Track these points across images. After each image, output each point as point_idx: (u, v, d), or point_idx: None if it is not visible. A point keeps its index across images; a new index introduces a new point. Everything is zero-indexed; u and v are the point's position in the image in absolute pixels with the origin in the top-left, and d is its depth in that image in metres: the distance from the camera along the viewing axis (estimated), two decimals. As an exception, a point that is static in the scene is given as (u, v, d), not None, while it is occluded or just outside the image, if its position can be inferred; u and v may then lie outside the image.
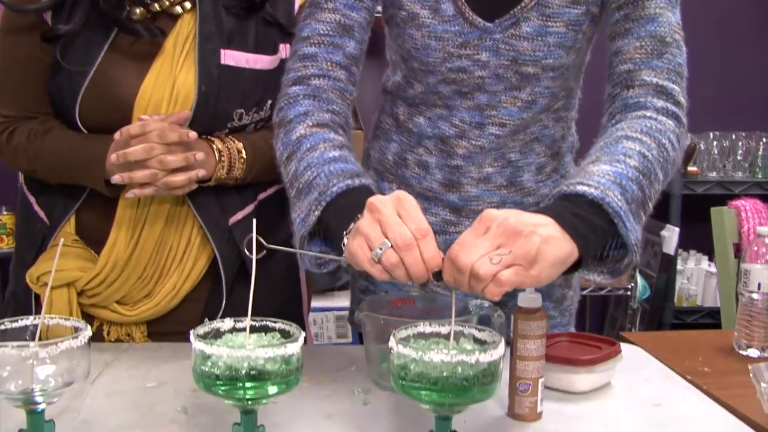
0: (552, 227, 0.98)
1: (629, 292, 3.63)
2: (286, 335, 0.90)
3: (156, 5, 1.41)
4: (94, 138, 1.40)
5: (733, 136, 3.82)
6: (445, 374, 0.84)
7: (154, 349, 1.43)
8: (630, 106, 1.26)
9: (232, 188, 1.48)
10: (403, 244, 0.94)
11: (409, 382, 0.86)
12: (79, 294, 1.44)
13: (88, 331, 0.89)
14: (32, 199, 1.51)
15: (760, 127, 3.89)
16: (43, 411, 0.89)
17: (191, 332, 0.88)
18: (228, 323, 0.92)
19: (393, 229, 0.95)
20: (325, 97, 1.28)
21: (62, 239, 1.09)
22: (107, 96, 1.39)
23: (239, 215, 1.48)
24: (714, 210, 2.64)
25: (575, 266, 1.03)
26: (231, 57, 1.41)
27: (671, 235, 3.52)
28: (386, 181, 1.45)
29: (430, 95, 1.37)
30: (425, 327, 0.93)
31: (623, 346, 1.35)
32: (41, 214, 1.49)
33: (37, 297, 1.48)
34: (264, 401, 0.88)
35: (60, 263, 1.41)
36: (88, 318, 1.46)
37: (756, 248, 1.55)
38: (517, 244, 0.92)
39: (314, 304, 3.11)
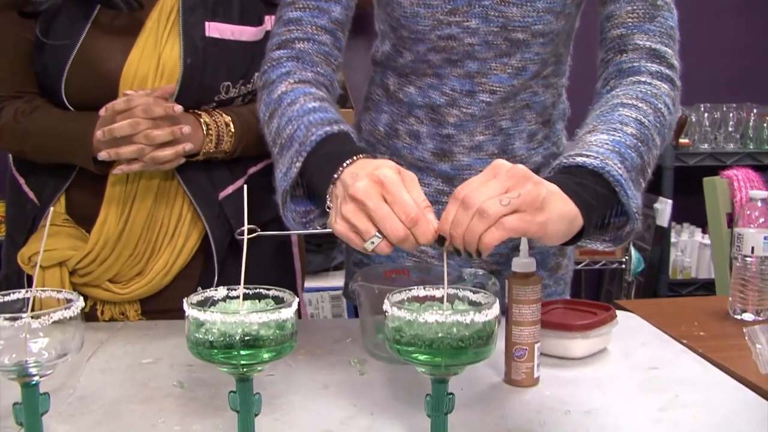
0: (558, 188, 0.97)
1: (624, 266, 3.64)
2: (279, 302, 0.90)
3: None
4: (80, 115, 1.39)
5: (724, 108, 3.82)
6: (440, 335, 0.84)
7: (148, 326, 1.43)
8: (624, 71, 1.25)
9: (222, 163, 1.47)
10: (399, 239, 0.92)
11: (404, 345, 0.86)
12: (71, 273, 1.43)
13: (80, 302, 0.88)
14: (22, 180, 1.50)
15: (751, 98, 3.89)
16: (37, 384, 0.89)
17: (184, 300, 0.87)
18: (221, 292, 0.92)
19: (385, 223, 0.92)
20: (309, 60, 1.27)
21: (52, 208, 1.08)
22: (92, 72, 1.37)
23: (229, 189, 1.48)
24: (706, 180, 2.64)
25: (577, 237, 1.02)
26: (216, 29, 1.40)
27: (664, 207, 3.53)
28: (378, 153, 1.45)
29: (419, 64, 1.36)
30: (419, 291, 0.92)
31: (619, 313, 1.35)
32: (31, 194, 1.48)
33: (30, 278, 1.47)
34: (259, 368, 0.88)
35: (51, 242, 1.40)
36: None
37: (749, 212, 1.54)
38: (526, 188, 0.90)
39: (309, 284, 3.12)
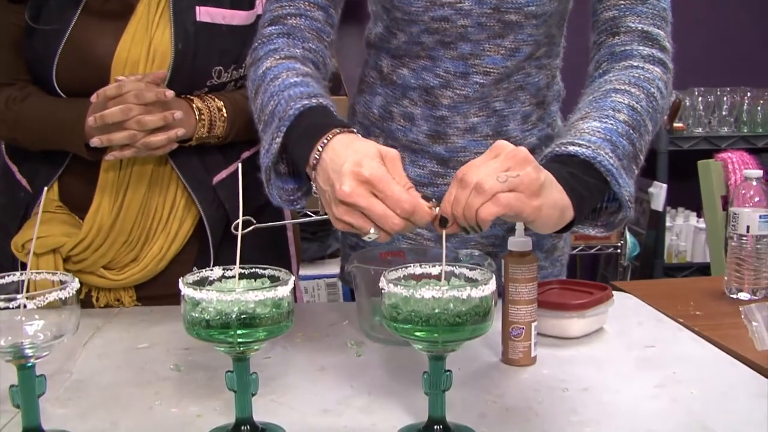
0: (554, 177, 0.97)
1: (619, 250, 3.65)
2: (275, 281, 0.90)
3: None
4: (72, 102, 1.38)
5: (718, 92, 3.82)
6: (437, 311, 0.83)
7: (144, 312, 1.43)
8: (616, 55, 1.25)
9: (215, 147, 1.46)
10: (397, 231, 0.92)
11: (401, 322, 0.86)
12: (65, 260, 1.43)
13: (75, 283, 0.88)
14: (14, 168, 1.49)
15: (745, 81, 3.90)
16: (33, 366, 0.88)
17: (180, 280, 0.87)
18: (217, 272, 0.91)
19: (381, 222, 0.91)
20: (300, 36, 1.26)
21: (45, 190, 1.07)
22: (84, 58, 1.37)
23: (223, 174, 1.47)
24: (701, 163, 2.64)
25: (567, 226, 1.02)
26: (206, 13, 1.39)
27: (659, 191, 3.53)
28: (372, 135, 1.44)
29: (413, 46, 1.35)
30: (416, 268, 0.92)
31: (615, 294, 1.35)
32: (24, 182, 1.48)
33: (24, 266, 1.47)
34: (256, 347, 0.88)
35: (45, 229, 1.40)
36: (76, 285, 1.45)
37: (743, 191, 1.54)
38: (525, 170, 0.90)
39: (305, 272, 3.12)
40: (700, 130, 3.80)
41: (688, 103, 3.78)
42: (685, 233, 3.96)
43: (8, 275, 0.91)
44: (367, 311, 1.27)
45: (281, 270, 0.90)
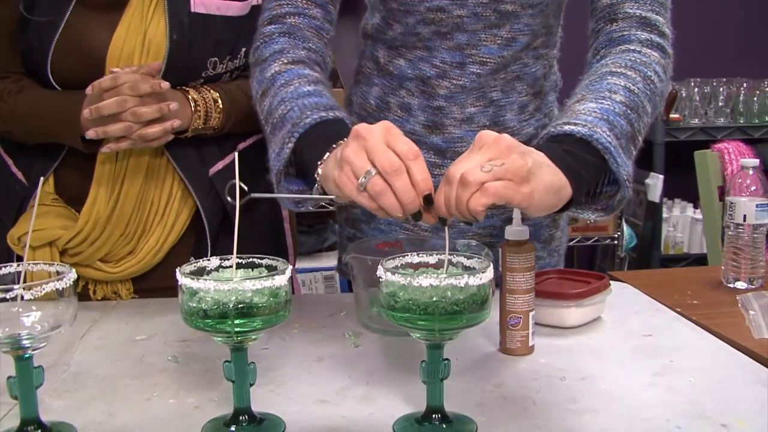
0: (546, 158, 0.96)
1: (616, 241, 3.65)
2: (272, 270, 0.89)
3: None
4: (67, 94, 1.38)
5: (714, 83, 3.82)
6: (434, 299, 0.83)
7: (141, 305, 1.43)
8: (614, 41, 1.25)
9: (211, 139, 1.46)
10: (391, 169, 0.89)
11: (399, 311, 0.86)
12: (62, 253, 1.42)
13: (72, 274, 0.88)
14: (10, 161, 1.49)
15: (741, 72, 3.90)
16: (31, 357, 0.88)
17: (177, 270, 0.87)
18: (214, 261, 0.91)
19: (379, 155, 0.90)
20: (301, 35, 1.26)
21: (42, 180, 1.07)
22: (78, 50, 1.36)
23: (219, 165, 1.47)
24: (697, 153, 2.64)
25: (566, 205, 1.02)
26: (201, 4, 1.39)
27: (656, 182, 3.53)
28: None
29: (409, 37, 1.35)
30: (413, 257, 0.92)
31: (612, 283, 1.35)
32: (19, 175, 1.47)
33: (20, 259, 1.47)
34: (253, 336, 0.87)
35: (41, 222, 1.40)
36: (73, 277, 1.44)
37: (740, 181, 1.54)
38: (511, 158, 0.89)
39: (302, 265, 3.12)
40: (696, 121, 3.80)
41: (684, 94, 3.78)
42: (681, 224, 3.96)
43: (5, 266, 0.91)
44: (364, 302, 1.27)
45: (278, 259, 0.90)
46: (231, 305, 0.84)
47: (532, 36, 1.34)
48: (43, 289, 0.84)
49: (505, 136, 0.92)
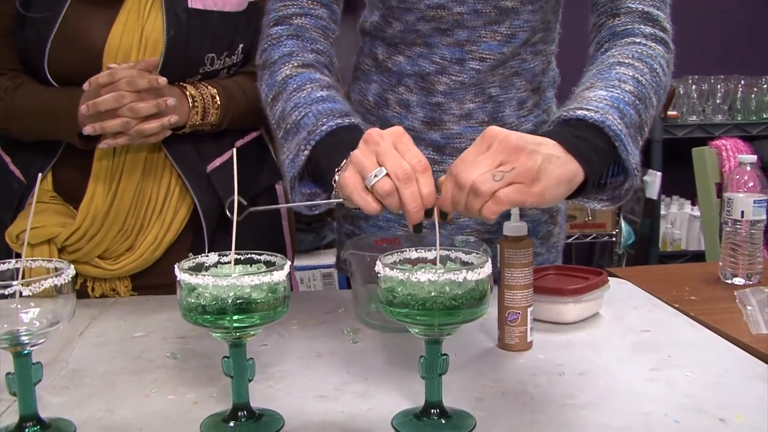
0: (555, 147, 0.95)
1: (614, 238, 3.65)
2: (271, 266, 0.89)
3: None
4: (64, 91, 1.38)
5: (712, 80, 3.82)
6: (433, 294, 0.83)
7: (140, 302, 1.43)
8: (618, 34, 1.25)
9: (209, 135, 1.46)
10: (403, 175, 0.90)
11: (397, 306, 0.86)
12: (60, 250, 1.42)
13: (71, 270, 0.88)
14: (8, 159, 1.49)
15: (738, 69, 3.90)
16: (29, 353, 0.88)
17: (176, 266, 0.87)
18: (213, 257, 0.91)
19: (392, 160, 0.91)
20: (308, 36, 1.26)
21: (39, 176, 1.07)
22: (75, 46, 1.36)
23: (217, 162, 1.47)
24: (695, 150, 2.65)
25: (578, 191, 1.01)
26: (198, 0, 1.39)
27: (654, 179, 3.53)
28: (368, 123, 1.44)
29: (409, 34, 1.35)
30: (411, 253, 0.92)
31: (610, 279, 1.35)
32: (17, 173, 1.47)
33: (19, 257, 1.46)
34: (252, 332, 0.87)
35: (39, 219, 1.40)
36: (72, 275, 1.44)
37: (738, 177, 1.54)
38: (519, 160, 0.89)
39: (300, 263, 3.12)
40: (694, 118, 3.81)
41: (682, 91, 3.79)
42: (679, 221, 3.97)
43: (3, 263, 0.91)
44: (363, 298, 1.27)
45: (277, 255, 0.90)
46: (230, 301, 0.84)
47: (531, 32, 1.35)
48: (42, 285, 0.84)
49: (512, 133, 0.92)
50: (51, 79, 1.38)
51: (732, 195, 1.54)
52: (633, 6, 1.25)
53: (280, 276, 0.86)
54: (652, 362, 1.11)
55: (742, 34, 4.09)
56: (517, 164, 0.89)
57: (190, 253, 1.46)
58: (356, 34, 1.49)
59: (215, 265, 0.91)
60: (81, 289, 1.47)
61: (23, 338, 0.86)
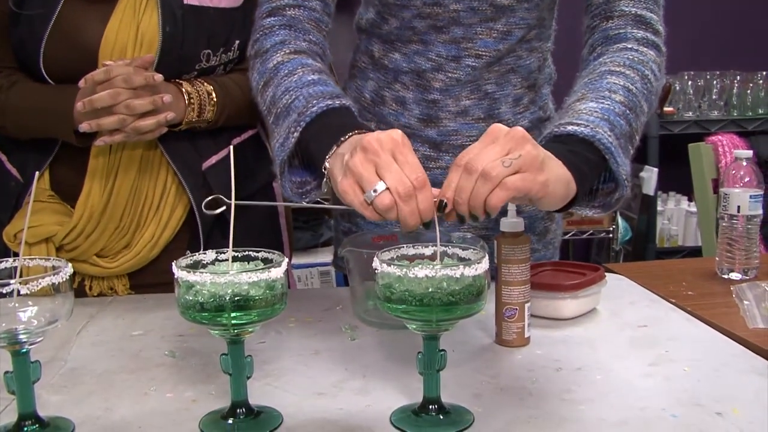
0: (551, 155, 0.97)
1: (611, 235, 3.66)
2: (268, 263, 0.90)
3: None
4: (60, 88, 1.38)
5: (708, 76, 3.83)
6: (430, 290, 0.84)
7: (138, 300, 1.43)
8: (610, 38, 1.25)
9: (205, 133, 1.46)
10: (404, 192, 0.89)
11: (395, 302, 0.86)
12: (58, 249, 1.42)
13: (69, 268, 0.88)
14: (3, 158, 1.49)
15: (734, 65, 3.90)
16: (28, 352, 0.88)
17: (173, 263, 0.87)
18: (210, 255, 0.91)
19: (393, 175, 0.90)
20: (301, 27, 1.26)
21: (37, 174, 1.07)
22: (71, 43, 1.36)
23: (213, 159, 1.47)
24: (692, 146, 2.64)
25: (568, 204, 1.02)
26: None
27: (650, 176, 3.54)
28: (364, 120, 1.44)
29: (405, 31, 1.35)
30: (408, 249, 0.92)
31: (607, 275, 1.35)
32: (14, 171, 1.47)
33: (17, 256, 1.46)
34: (250, 329, 0.87)
35: (37, 219, 1.40)
36: (69, 274, 1.44)
37: (734, 172, 1.55)
38: (526, 149, 0.90)
39: (298, 261, 3.12)
40: (690, 114, 3.81)
41: (678, 88, 3.79)
42: (676, 217, 3.97)
43: (1, 261, 0.91)
44: (360, 295, 1.27)
45: (274, 252, 0.91)
46: (227, 298, 0.84)
47: (527, 29, 1.35)
48: (40, 283, 0.84)
49: (517, 128, 0.93)
50: (47, 77, 1.38)
51: (728, 190, 1.54)
52: (626, 9, 1.25)
53: (277, 273, 0.86)
54: (650, 357, 1.11)
55: (738, 30, 4.09)
56: (523, 152, 0.90)
57: (188, 251, 1.46)
58: (352, 31, 1.49)
59: (213, 262, 0.91)
60: (79, 288, 1.47)
61: (21, 337, 0.86)
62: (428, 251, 0.92)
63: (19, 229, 1.41)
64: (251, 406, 0.93)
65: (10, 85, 1.40)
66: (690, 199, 3.90)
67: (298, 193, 1.12)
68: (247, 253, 0.92)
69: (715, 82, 3.81)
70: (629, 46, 1.23)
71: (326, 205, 1.02)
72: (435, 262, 0.89)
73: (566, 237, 3.64)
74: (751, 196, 1.51)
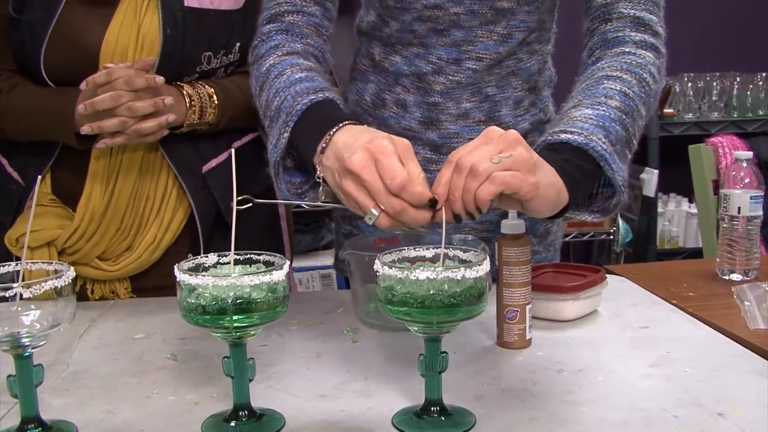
0: (545, 161, 0.98)
1: (612, 236, 3.66)
2: (270, 266, 0.90)
3: None
4: (60, 91, 1.38)
5: (708, 77, 3.83)
6: (432, 292, 0.84)
7: (140, 303, 1.43)
8: (608, 41, 1.25)
9: (206, 135, 1.46)
10: (394, 212, 0.91)
11: (396, 305, 0.86)
12: (60, 253, 1.42)
13: (71, 272, 0.88)
14: (4, 161, 1.49)
15: (734, 67, 3.90)
16: (30, 355, 0.89)
17: (175, 266, 0.87)
18: (212, 258, 0.92)
19: (380, 197, 0.92)
20: (299, 32, 1.27)
21: (39, 178, 1.07)
22: (72, 45, 1.36)
23: (213, 163, 1.47)
24: (692, 147, 2.64)
25: (561, 212, 1.03)
26: None
27: (651, 177, 3.54)
28: (365, 123, 1.44)
29: (405, 34, 1.36)
30: (410, 251, 0.93)
31: (608, 277, 1.35)
32: (15, 175, 1.47)
33: (19, 260, 1.47)
34: (252, 332, 0.88)
35: (38, 222, 1.40)
36: (71, 277, 1.45)
37: (734, 173, 1.55)
38: (518, 150, 0.91)
39: (299, 264, 3.12)
40: (690, 115, 3.81)
41: (678, 89, 3.79)
42: (677, 219, 3.97)
43: (4, 265, 0.91)
44: (362, 298, 1.27)
45: (276, 255, 0.91)
46: (229, 301, 0.84)
47: (527, 32, 1.35)
48: (42, 287, 0.84)
49: (512, 131, 0.94)
50: (47, 80, 1.38)
51: (728, 191, 1.54)
52: (625, 11, 1.25)
53: (279, 275, 0.86)
54: (651, 358, 1.11)
55: (738, 31, 4.10)
56: (515, 153, 0.91)
57: (189, 254, 1.47)
58: (353, 34, 1.49)
59: (215, 265, 0.92)
60: (80, 292, 1.47)
61: (24, 340, 0.86)
62: (429, 253, 0.92)
63: (21, 233, 1.41)
64: (253, 409, 0.93)
65: (11, 88, 1.40)
66: (690, 201, 3.90)
67: (295, 194, 1.13)
68: (248, 256, 0.92)
69: (715, 83, 3.82)
70: (627, 49, 1.22)
71: (337, 205, 1.03)
72: (436, 265, 0.89)
73: (567, 239, 3.64)
74: (751, 197, 1.52)
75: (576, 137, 1.04)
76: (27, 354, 0.88)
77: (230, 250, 0.91)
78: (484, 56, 1.34)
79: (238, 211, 0.91)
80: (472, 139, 1.36)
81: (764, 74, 3.83)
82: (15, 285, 0.83)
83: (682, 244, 3.96)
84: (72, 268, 0.89)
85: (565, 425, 0.91)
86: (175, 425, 0.94)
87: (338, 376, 1.07)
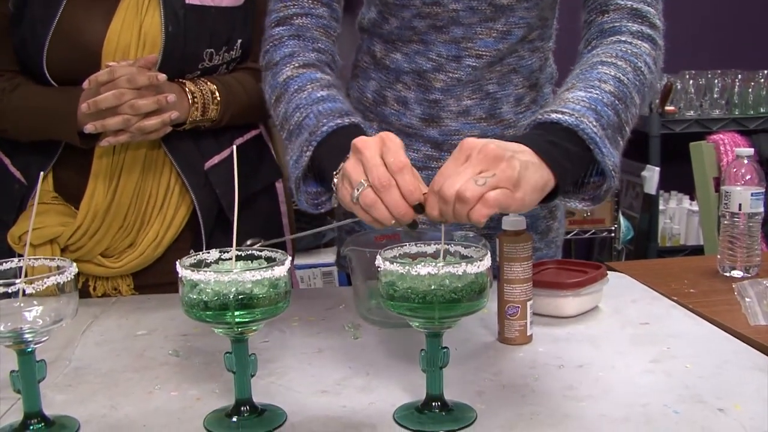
0: (529, 154, 0.95)
1: (613, 234, 3.66)
2: (271, 262, 0.90)
3: None
4: (63, 90, 1.38)
5: (709, 74, 3.82)
6: (432, 287, 0.84)
7: (142, 300, 1.43)
8: (605, 32, 1.25)
9: (208, 132, 1.47)
10: (380, 184, 0.91)
11: (397, 300, 0.86)
12: (63, 250, 1.43)
13: (73, 268, 0.89)
14: (7, 161, 1.49)
15: (735, 64, 3.90)
16: (33, 351, 0.89)
17: (177, 262, 0.88)
18: (214, 254, 0.92)
19: (371, 169, 0.92)
20: (310, 36, 1.28)
21: (42, 175, 1.08)
22: (73, 44, 1.37)
23: (215, 159, 1.47)
24: (693, 145, 2.65)
25: (552, 195, 1.02)
26: None
27: (652, 175, 3.54)
28: (367, 120, 1.44)
29: (405, 30, 1.36)
30: (411, 247, 0.93)
31: (609, 273, 1.36)
32: (18, 174, 1.47)
33: (21, 257, 1.47)
34: (254, 327, 0.88)
35: (41, 220, 1.40)
36: (74, 274, 1.45)
37: (735, 170, 1.55)
38: (500, 168, 0.89)
39: (300, 261, 3.12)
40: (691, 113, 3.81)
41: (679, 87, 3.79)
42: (678, 216, 3.97)
43: (6, 261, 0.92)
44: (363, 294, 1.28)
45: (277, 251, 0.91)
46: (231, 296, 0.84)
47: (527, 29, 1.35)
48: (45, 283, 0.85)
49: (490, 142, 0.91)
50: (50, 78, 1.39)
51: (729, 188, 1.54)
52: (622, 2, 1.25)
53: (281, 271, 0.86)
54: (651, 354, 1.11)
55: (739, 28, 4.09)
56: (498, 171, 0.89)
57: (192, 251, 1.47)
58: (355, 31, 1.49)
59: (216, 261, 0.92)
60: (83, 289, 1.47)
61: (27, 336, 0.87)
62: (430, 249, 0.93)
63: (24, 231, 1.41)
64: (255, 404, 0.94)
65: (13, 88, 1.40)
66: (692, 198, 3.90)
67: (313, 204, 1.13)
68: (250, 252, 0.92)
69: (716, 80, 3.81)
70: (623, 38, 1.22)
71: (338, 223, 1.04)
72: (437, 260, 0.90)
73: (568, 236, 3.64)
74: (752, 194, 1.52)
75: (567, 117, 1.02)
76: (30, 350, 0.89)
77: (233, 237, 0.91)
78: (484, 53, 1.34)
79: (239, 205, 0.92)
80: (473, 135, 1.38)
81: (766, 72, 3.83)
82: (18, 281, 0.83)
83: (683, 242, 3.96)
84: (74, 264, 0.90)
85: (566, 421, 0.92)
86: (177, 420, 0.94)
87: (340, 372, 1.08)
